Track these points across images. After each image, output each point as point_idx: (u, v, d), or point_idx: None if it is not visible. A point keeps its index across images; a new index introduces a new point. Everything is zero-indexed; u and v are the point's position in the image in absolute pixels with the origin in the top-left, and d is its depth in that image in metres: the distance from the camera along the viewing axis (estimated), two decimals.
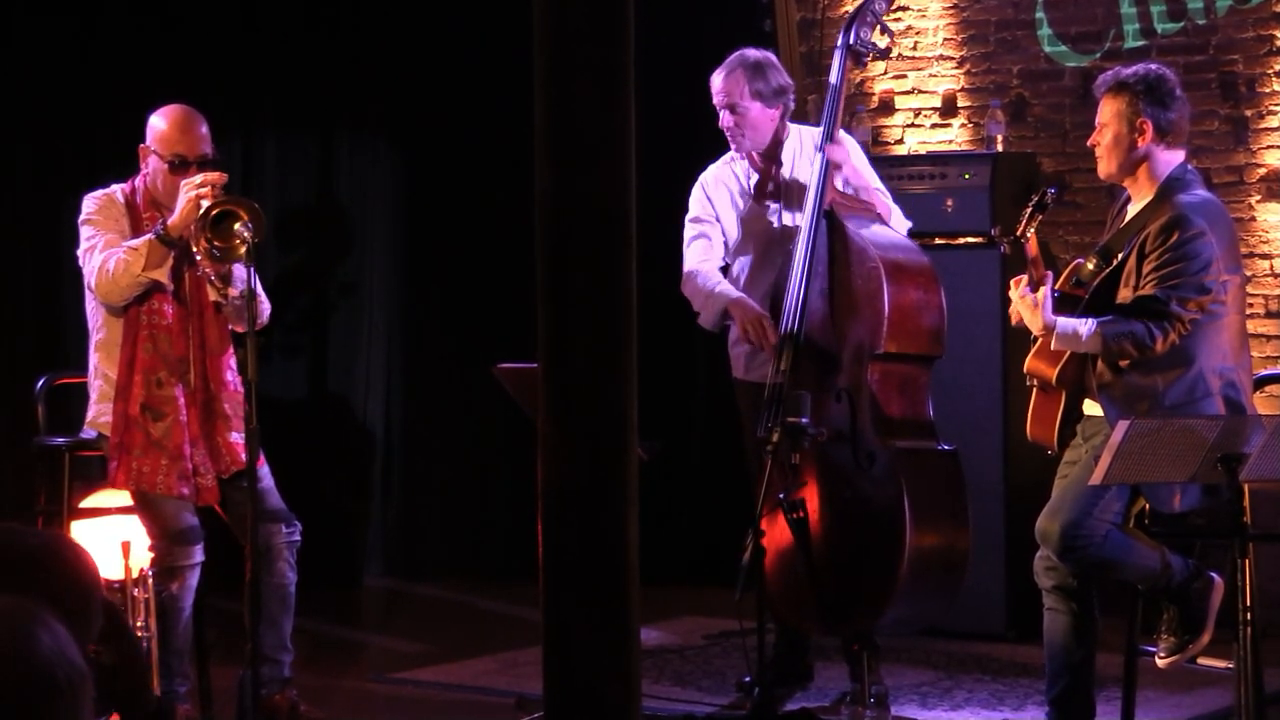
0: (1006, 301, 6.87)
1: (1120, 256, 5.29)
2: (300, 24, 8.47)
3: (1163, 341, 5.16)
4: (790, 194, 6.15)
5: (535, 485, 3.79)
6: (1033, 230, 5.34)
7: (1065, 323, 5.21)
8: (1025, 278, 5.29)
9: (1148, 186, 5.33)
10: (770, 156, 6.17)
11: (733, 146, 6.18)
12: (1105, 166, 5.40)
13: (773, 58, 6.22)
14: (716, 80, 6.11)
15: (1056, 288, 5.35)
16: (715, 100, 6.12)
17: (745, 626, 5.63)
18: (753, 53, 6.16)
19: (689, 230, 6.23)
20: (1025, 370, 5.46)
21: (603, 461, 3.73)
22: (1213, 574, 5.33)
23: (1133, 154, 5.32)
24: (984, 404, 7.00)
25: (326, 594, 7.71)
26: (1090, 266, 5.37)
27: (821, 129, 6.07)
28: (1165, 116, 5.29)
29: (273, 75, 8.42)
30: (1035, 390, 5.47)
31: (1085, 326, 5.19)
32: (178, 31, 8.18)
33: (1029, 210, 5.35)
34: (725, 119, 6.11)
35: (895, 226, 6.11)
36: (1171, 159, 5.33)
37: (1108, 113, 5.35)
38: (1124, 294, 5.27)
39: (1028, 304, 5.25)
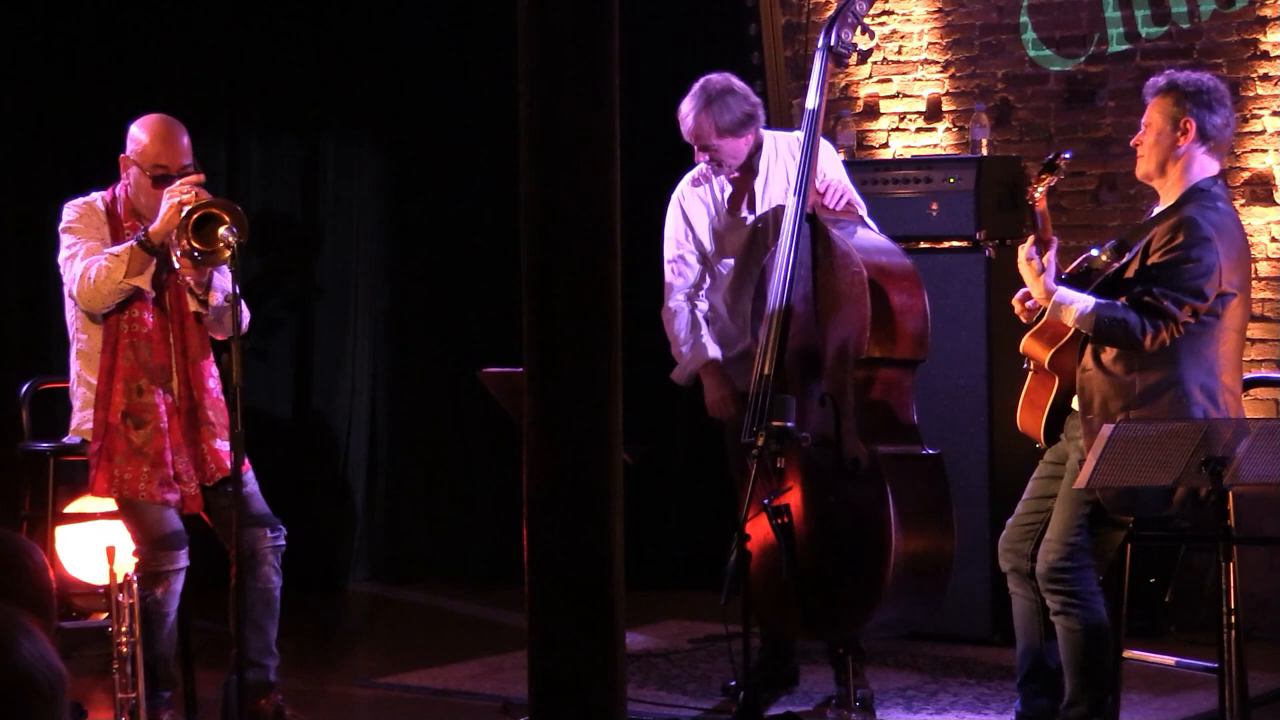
0: (993, 305, 6.86)
1: (1130, 252, 5.28)
2: (284, 29, 8.46)
3: (1153, 339, 5.14)
4: (767, 201, 6.15)
5: (520, 489, 3.79)
6: (1041, 190, 5.34)
7: (1065, 294, 5.21)
8: (1032, 239, 5.28)
9: (1176, 187, 5.29)
10: (746, 167, 6.16)
11: (712, 172, 6.18)
12: (1144, 165, 5.36)
13: (734, 82, 6.13)
14: (685, 120, 6.08)
15: (1066, 271, 5.34)
16: (685, 137, 6.12)
17: (730, 631, 5.63)
18: (714, 82, 6.10)
19: (668, 267, 6.24)
20: (1021, 350, 5.44)
21: (587, 465, 3.73)
22: None
23: (1173, 152, 5.29)
24: (969, 408, 6.99)
25: (311, 599, 7.70)
26: (1104, 258, 5.33)
27: (803, 132, 6.04)
28: (1211, 120, 5.27)
29: (257, 80, 8.40)
30: (1030, 374, 5.46)
31: (1083, 303, 5.18)
32: (161, 37, 8.17)
33: (1039, 171, 5.37)
34: (700, 155, 6.12)
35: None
36: (1207, 166, 5.30)
37: (1154, 112, 5.33)
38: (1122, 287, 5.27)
39: (1033, 268, 5.24)
